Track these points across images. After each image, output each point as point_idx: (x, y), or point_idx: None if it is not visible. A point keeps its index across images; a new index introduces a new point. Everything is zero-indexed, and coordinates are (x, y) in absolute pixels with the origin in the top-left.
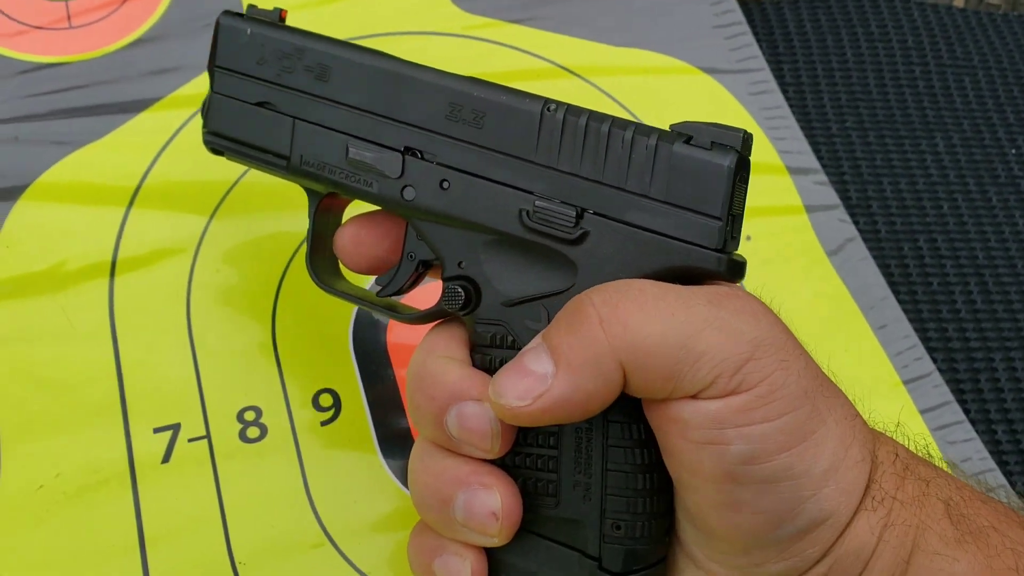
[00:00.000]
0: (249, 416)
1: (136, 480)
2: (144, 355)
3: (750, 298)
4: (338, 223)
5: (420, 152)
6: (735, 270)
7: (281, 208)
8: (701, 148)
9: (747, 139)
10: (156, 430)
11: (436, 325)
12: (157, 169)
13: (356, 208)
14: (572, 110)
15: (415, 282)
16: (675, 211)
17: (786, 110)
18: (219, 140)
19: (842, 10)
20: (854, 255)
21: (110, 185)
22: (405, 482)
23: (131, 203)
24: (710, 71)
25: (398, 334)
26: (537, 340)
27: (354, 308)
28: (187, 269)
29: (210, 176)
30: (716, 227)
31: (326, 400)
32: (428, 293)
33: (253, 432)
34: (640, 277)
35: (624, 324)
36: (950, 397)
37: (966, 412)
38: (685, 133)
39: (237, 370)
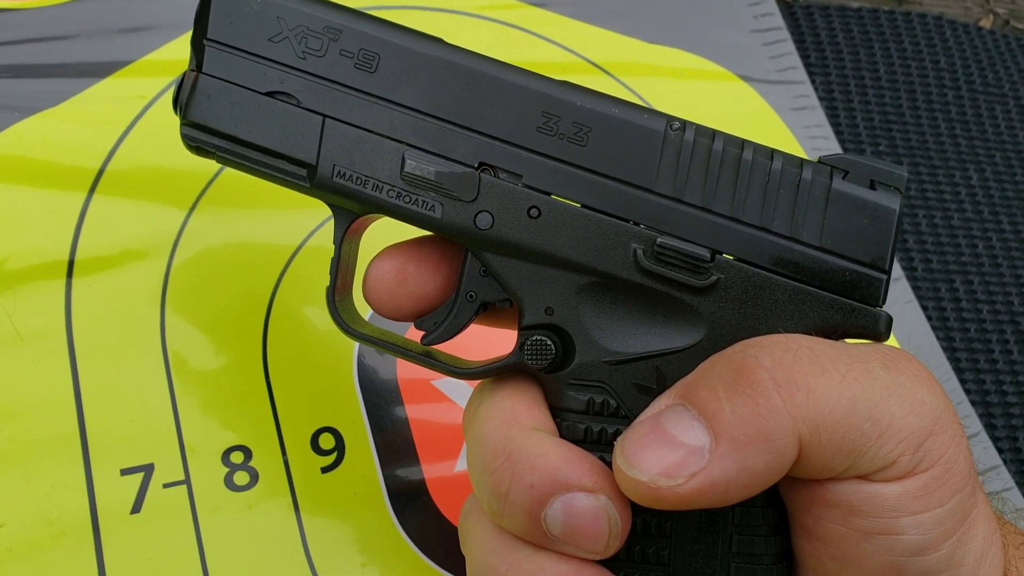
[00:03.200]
0: (236, 458)
1: (99, 534)
2: (109, 378)
3: (918, 362)
4: (357, 248)
5: (500, 170)
6: (889, 330)
7: (277, 204)
8: (862, 187)
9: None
10: (124, 472)
11: (497, 382)
12: (125, 148)
13: (383, 233)
14: (703, 131)
15: (466, 325)
16: (832, 260)
17: (828, 130)
18: (206, 136)
19: (874, 22)
20: (900, 297)
21: (67, 165)
22: (421, 546)
23: (92, 189)
24: (748, 79)
25: (411, 366)
26: (676, 402)
27: None
28: (161, 274)
29: (190, 161)
30: (881, 281)
31: (327, 441)
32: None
33: (241, 478)
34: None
35: (807, 391)
36: (998, 460)
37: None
38: (839, 167)
39: (222, 401)
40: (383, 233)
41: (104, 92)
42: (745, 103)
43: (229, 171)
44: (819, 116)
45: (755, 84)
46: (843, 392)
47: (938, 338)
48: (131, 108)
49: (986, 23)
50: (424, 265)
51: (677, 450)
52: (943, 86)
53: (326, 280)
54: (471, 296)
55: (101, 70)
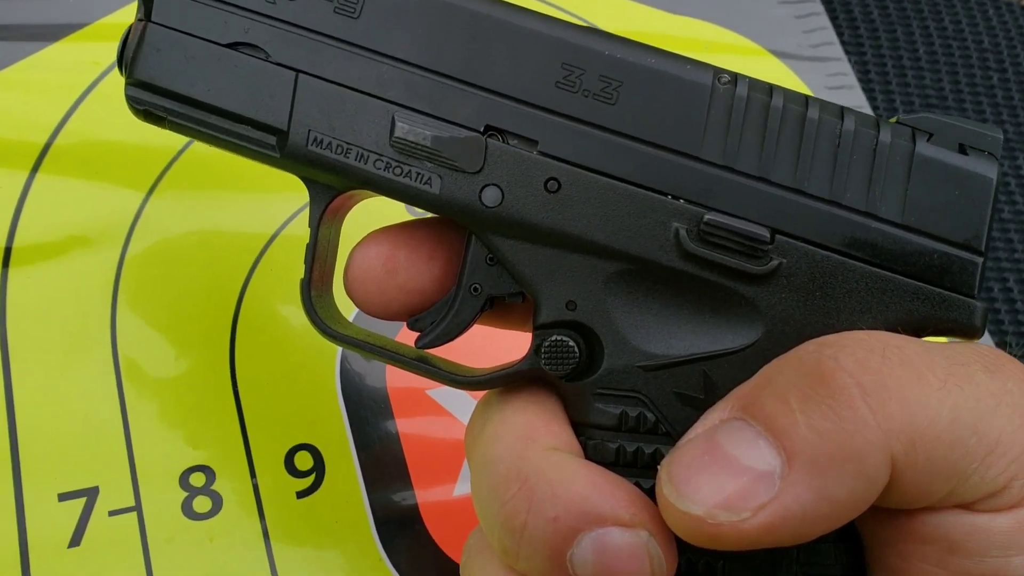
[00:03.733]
0: (197, 480)
1: (29, 571)
2: (48, 385)
3: (1022, 365)
4: (338, 233)
5: (511, 135)
6: (985, 324)
7: (250, 186)
8: (951, 152)
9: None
10: (63, 497)
11: (507, 393)
12: (75, 121)
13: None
14: (758, 85)
15: (469, 325)
16: (917, 240)
17: (868, 112)
18: (155, 98)
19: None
20: None
21: (6, 139)
22: None
23: (36, 167)
24: (781, 55)
25: (403, 374)
26: (735, 415)
27: None
28: (113, 265)
29: (150, 136)
30: (976, 266)
31: (304, 461)
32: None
33: (202, 504)
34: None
35: (901, 400)
36: None
37: None
38: (922, 128)
39: (181, 413)
40: (369, 215)
41: (53, 58)
42: (780, 81)
43: (196, 148)
44: (858, 96)
45: (788, 60)
46: (943, 401)
47: (994, 344)
48: (83, 76)
49: None
50: (418, 252)
51: (740, 476)
52: (987, 68)
53: (302, 272)
54: (475, 289)
55: (50, 33)
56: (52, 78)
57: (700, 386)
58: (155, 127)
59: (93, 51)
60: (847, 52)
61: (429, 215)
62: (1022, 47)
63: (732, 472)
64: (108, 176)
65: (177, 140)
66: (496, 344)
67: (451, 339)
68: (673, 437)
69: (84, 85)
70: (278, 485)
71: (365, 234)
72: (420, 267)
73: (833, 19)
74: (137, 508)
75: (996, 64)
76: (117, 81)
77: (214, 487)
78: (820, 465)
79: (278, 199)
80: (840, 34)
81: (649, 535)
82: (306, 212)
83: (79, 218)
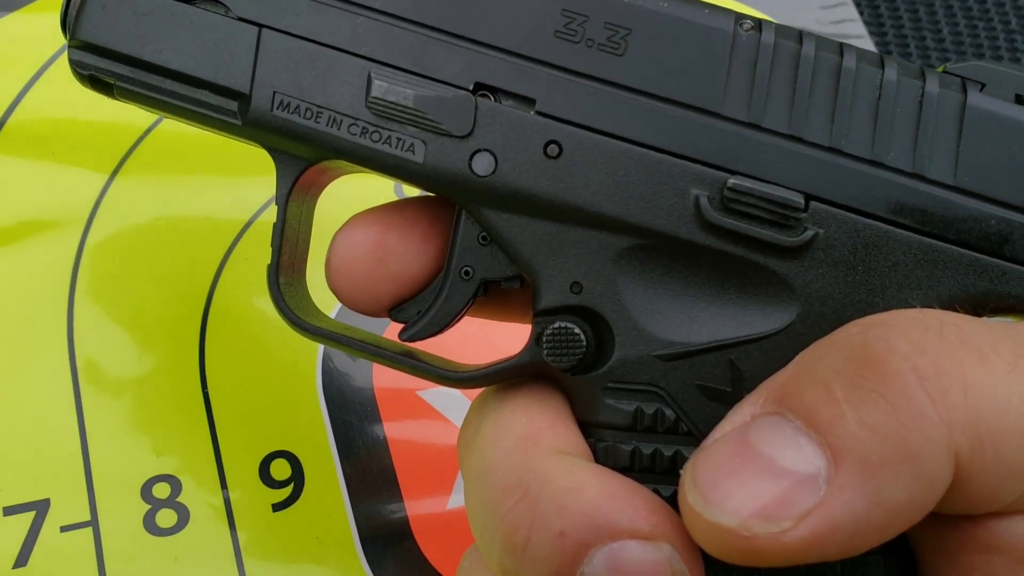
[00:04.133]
0: (161, 491)
1: None
2: None
3: None
4: (311, 212)
5: (505, 92)
6: None
7: (223, 168)
8: (1007, 103)
9: None
10: (8, 511)
11: (505, 390)
12: (32, 98)
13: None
14: (786, 32)
15: (460, 314)
16: (971, 203)
17: None
18: (102, 61)
19: None
20: None
21: None
22: None
23: None
24: None
25: (392, 372)
26: (769, 409)
27: None
28: (71, 254)
29: (113, 114)
30: None
31: (280, 470)
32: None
33: (166, 518)
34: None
35: (964, 385)
36: None
37: None
38: (973, 79)
39: (144, 417)
40: (353, 191)
41: (8, 29)
42: None
43: (165, 126)
44: None
45: None
46: (1012, 388)
47: None
48: (42, 49)
49: None
50: (411, 235)
51: (779, 479)
52: (1015, 49)
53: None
54: (467, 272)
55: (6, 3)
56: (7, 51)
57: (726, 377)
58: (120, 103)
59: (52, 23)
60: (869, 32)
61: (421, 193)
62: None
63: (769, 475)
64: (67, 156)
65: (144, 118)
66: (494, 337)
67: (440, 330)
68: (696, 437)
69: (42, 60)
70: (252, 497)
71: (348, 215)
72: (414, 252)
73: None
74: (93, 523)
75: None
76: None
77: (180, 499)
78: (872, 465)
79: (254, 183)
80: (859, 11)
81: (672, 549)
82: None
83: (34, 202)
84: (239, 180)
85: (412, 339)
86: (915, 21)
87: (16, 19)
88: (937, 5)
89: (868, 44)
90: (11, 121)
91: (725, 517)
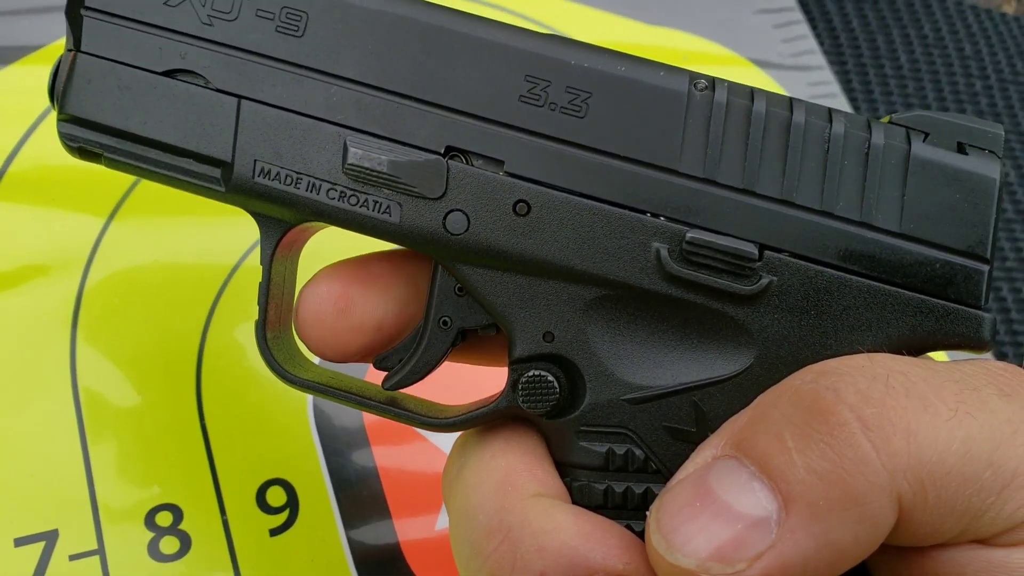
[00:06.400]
0: (164, 520)
1: None
2: (2, 423)
3: None
4: (295, 269)
5: (475, 155)
6: (995, 336)
7: (214, 212)
8: (949, 151)
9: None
10: (19, 542)
11: (485, 433)
12: (30, 147)
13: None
14: (738, 90)
15: (439, 361)
16: (917, 249)
17: None
18: (89, 134)
19: (891, 7)
20: None
21: None
22: None
23: None
24: (761, 64)
25: None
26: (727, 452)
27: None
28: (72, 295)
29: None
30: (982, 274)
31: (276, 497)
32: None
33: (169, 544)
34: (865, 351)
35: (907, 433)
36: None
37: None
38: (917, 128)
39: (145, 449)
40: (329, 244)
41: (6, 81)
42: None
43: None
44: (842, 104)
45: (768, 70)
46: (953, 432)
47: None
48: (39, 100)
49: (1009, 8)
50: (373, 288)
51: (733, 523)
52: (969, 75)
53: None
54: (445, 323)
55: (4, 56)
56: (5, 102)
57: (691, 418)
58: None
59: (48, 74)
60: (828, 62)
61: (389, 246)
62: (1003, 53)
63: (725, 519)
64: (66, 203)
65: None
66: (476, 373)
67: (421, 377)
68: (664, 475)
69: (39, 110)
70: (249, 523)
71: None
72: (376, 303)
73: (812, 29)
74: (100, 551)
75: (979, 71)
76: None
77: (181, 526)
78: (820, 509)
79: (246, 223)
80: (820, 43)
81: None
82: None
83: (35, 247)
84: (230, 221)
85: (396, 387)
86: (873, 50)
87: (12, 72)
88: (895, 34)
89: (828, 74)
90: (11, 170)
91: (685, 560)
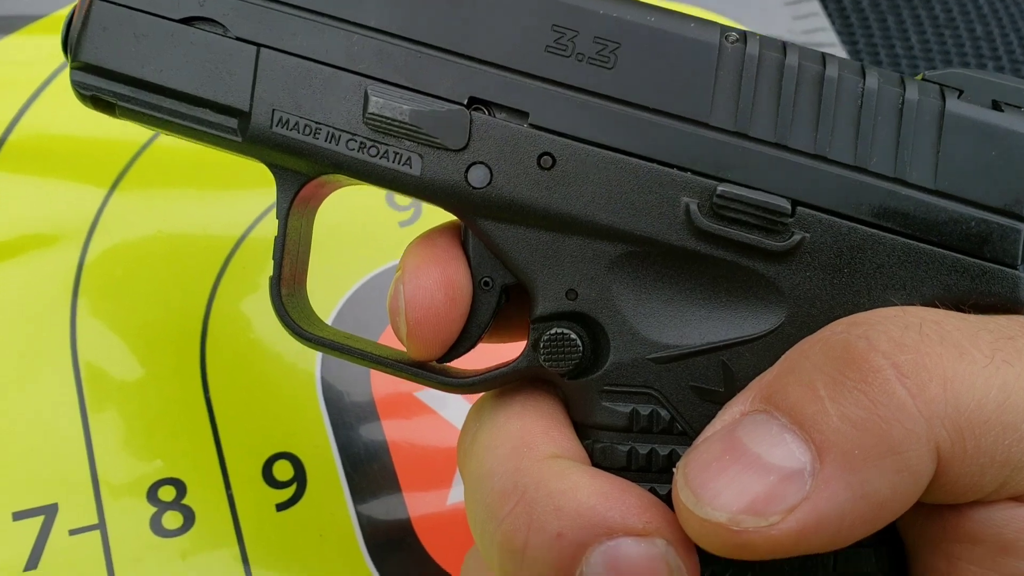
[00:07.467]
0: (166, 494)
1: None
2: (2, 395)
3: None
4: (311, 225)
5: (499, 106)
6: None
7: (219, 182)
8: (984, 108)
9: None
10: (18, 516)
11: (502, 396)
12: (31, 116)
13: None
14: (770, 43)
15: (488, 325)
16: (951, 206)
17: None
18: (103, 82)
19: None
20: None
21: None
22: None
23: None
24: None
25: (390, 377)
26: (756, 407)
27: None
28: (72, 266)
29: (110, 131)
30: (1019, 233)
31: (283, 471)
32: None
33: (172, 519)
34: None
35: (943, 380)
36: None
37: None
38: (950, 85)
39: (148, 422)
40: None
41: (7, 51)
42: None
43: (162, 141)
44: None
45: None
46: (991, 380)
47: None
48: (41, 69)
49: None
50: (454, 263)
51: (766, 475)
52: (981, 56)
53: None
54: (486, 283)
55: (5, 25)
56: (6, 72)
57: (719, 378)
58: (118, 120)
59: (51, 45)
60: (840, 42)
61: (441, 220)
62: (1015, 34)
63: (757, 472)
64: (67, 172)
65: (142, 134)
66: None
67: (472, 345)
68: (690, 436)
69: (41, 79)
70: (255, 497)
71: (348, 227)
72: (466, 279)
73: (823, 7)
74: (100, 526)
75: (990, 52)
76: None
77: (185, 501)
78: (855, 459)
79: (250, 195)
80: (832, 22)
81: (667, 544)
82: None
83: (36, 216)
84: (235, 193)
85: (445, 360)
86: (884, 30)
87: (13, 41)
88: (906, 15)
89: (840, 52)
90: (11, 138)
91: (716, 513)
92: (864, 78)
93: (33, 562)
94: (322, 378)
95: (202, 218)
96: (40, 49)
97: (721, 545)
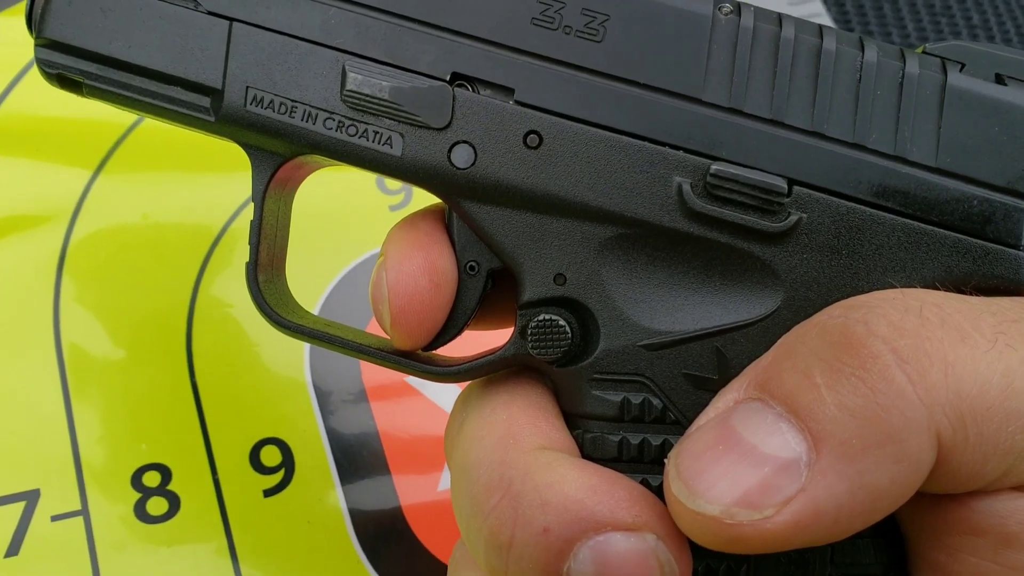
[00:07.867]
0: (151, 480)
1: None
2: None
3: None
4: (289, 208)
5: (483, 82)
6: None
7: (206, 165)
8: (987, 82)
9: None
10: None
11: (489, 384)
12: (15, 97)
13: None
14: (765, 15)
15: (474, 311)
16: (953, 185)
17: None
18: (68, 59)
19: None
20: None
21: None
22: None
23: None
24: None
25: None
26: (750, 395)
27: None
28: (56, 248)
29: (96, 112)
30: (1022, 211)
31: (271, 456)
32: None
33: (157, 505)
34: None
35: (944, 365)
36: None
37: None
38: (952, 58)
39: (132, 406)
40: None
41: None
42: None
43: (148, 124)
44: None
45: None
46: (993, 365)
47: None
48: (24, 51)
49: None
50: (437, 246)
51: (760, 466)
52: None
53: None
54: (472, 268)
55: None
56: None
57: (713, 365)
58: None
59: None
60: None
61: (425, 203)
62: (1011, 21)
63: (751, 462)
64: (51, 154)
65: (127, 116)
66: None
67: (458, 332)
68: (683, 425)
69: (24, 60)
70: (242, 483)
71: (329, 210)
72: (450, 264)
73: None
74: (83, 512)
75: (986, 40)
76: None
77: (170, 487)
78: (853, 449)
79: (239, 178)
80: (827, 10)
81: (656, 539)
82: None
83: (19, 198)
84: (223, 176)
85: (431, 347)
86: (880, 16)
87: None
88: (902, 2)
89: None
90: None
91: (708, 506)
92: (863, 51)
93: (14, 548)
94: (311, 363)
95: (189, 201)
96: (23, 31)
97: (714, 539)
